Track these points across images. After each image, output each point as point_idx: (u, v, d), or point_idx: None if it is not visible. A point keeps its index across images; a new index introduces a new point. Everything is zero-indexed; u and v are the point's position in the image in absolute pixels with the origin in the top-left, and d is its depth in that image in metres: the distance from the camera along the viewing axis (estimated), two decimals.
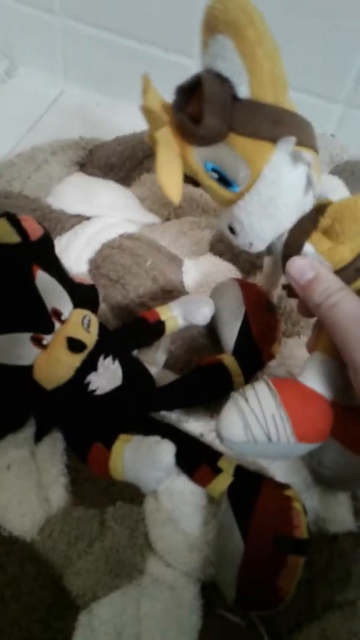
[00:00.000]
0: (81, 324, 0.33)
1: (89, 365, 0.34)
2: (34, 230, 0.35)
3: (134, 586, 0.35)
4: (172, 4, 0.54)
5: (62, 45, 0.64)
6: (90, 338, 0.33)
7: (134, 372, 0.38)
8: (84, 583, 0.34)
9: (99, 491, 0.37)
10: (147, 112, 0.31)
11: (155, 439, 0.33)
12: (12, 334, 0.31)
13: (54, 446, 0.38)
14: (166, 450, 0.32)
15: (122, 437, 0.34)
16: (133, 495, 0.37)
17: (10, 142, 0.60)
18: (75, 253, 0.49)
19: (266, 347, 0.41)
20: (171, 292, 0.47)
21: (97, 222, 0.51)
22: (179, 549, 0.35)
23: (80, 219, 0.52)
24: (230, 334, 0.41)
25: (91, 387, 0.34)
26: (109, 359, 0.35)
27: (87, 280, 0.44)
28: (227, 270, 0.49)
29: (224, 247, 0.50)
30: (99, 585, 0.34)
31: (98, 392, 0.35)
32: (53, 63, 0.66)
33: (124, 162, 0.55)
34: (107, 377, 0.35)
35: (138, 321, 0.41)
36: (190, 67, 0.59)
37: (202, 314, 0.41)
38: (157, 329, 0.41)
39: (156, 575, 0.35)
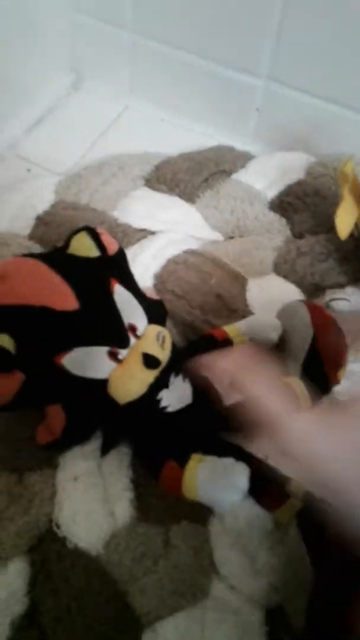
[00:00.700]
0: (156, 340, 0.33)
1: (161, 382, 0.34)
2: (111, 244, 0.35)
3: (198, 608, 0.34)
4: (241, 23, 0.55)
5: (129, 60, 0.65)
6: (164, 354, 0.34)
7: (202, 391, 0.38)
8: (148, 601, 0.34)
9: (164, 508, 0.37)
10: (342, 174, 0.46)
11: (230, 461, 0.33)
12: (90, 347, 0.32)
13: (121, 460, 0.38)
14: (242, 473, 0.32)
15: (195, 457, 0.34)
16: (198, 515, 0.37)
17: (75, 154, 0.61)
18: (142, 267, 0.49)
19: (332, 372, 0.40)
20: (235, 311, 0.47)
21: (162, 237, 0.52)
22: (245, 573, 0.35)
23: (145, 233, 0.52)
24: (297, 357, 0.41)
25: (163, 403, 0.34)
26: (180, 377, 0.36)
27: (154, 295, 0.44)
28: (291, 292, 0.49)
29: (288, 268, 0.50)
30: (163, 605, 0.34)
31: (169, 409, 0.35)
32: (119, 78, 0.67)
33: (190, 179, 0.56)
34: (178, 394, 0.35)
35: (205, 338, 0.41)
36: (255, 86, 0.59)
37: (270, 337, 0.41)
38: (225, 346, 0.41)
39: (221, 598, 0.35)
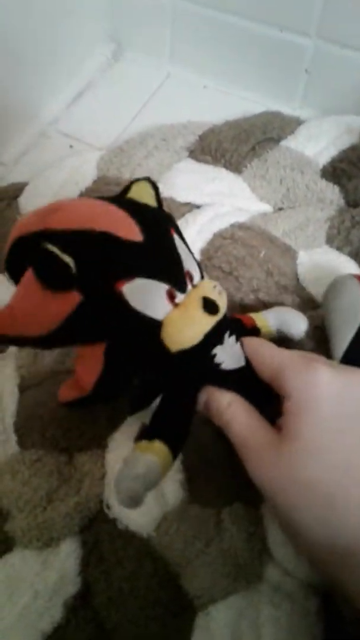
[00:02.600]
0: (214, 289, 0.32)
1: (216, 337, 0.32)
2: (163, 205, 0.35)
3: (252, 592, 0.34)
4: None
5: (170, 27, 0.62)
6: (222, 302, 0.32)
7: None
8: (201, 584, 0.34)
9: (215, 491, 0.37)
10: None
11: None
12: (151, 280, 0.30)
13: None
14: None
15: None
16: (250, 497, 0.36)
17: (117, 128, 0.60)
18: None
19: None
20: (286, 287, 0.45)
21: (208, 210, 0.50)
22: (299, 558, 0.34)
23: (190, 207, 0.51)
24: (341, 342, 0.38)
25: (217, 359, 0.32)
26: (233, 338, 0.33)
27: None
28: (345, 264, 0.47)
29: (342, 239, 0.48)
30: (217, 588, 0.34)
31: (224, 367, 0.33)
32: (160, 46, 0.65)
33: (236, 148, 0.53)
34: (231, 354, 0.33)
35: (235, 321, 0.39)
36: (304, 46, 0.56)
37: (298, 331, 0.39)
38: (254, 334, 0.38)
39: (276, 582, 0.34)
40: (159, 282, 0.30)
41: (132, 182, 0.34)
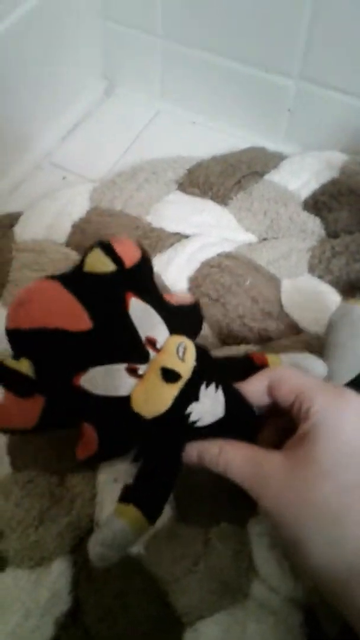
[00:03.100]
0: (176, 353, 0.32)
1: (190, 394, 0.33)
2: (130, 255, 0.34)
3: (238, 609, 0.35)
4: (271, 24, 0.55)
5: (160, 66, 0.65)
6: (185, 367, 0.32)
7: (235, 405, 0.35)
8: (189, 601, 0.35)
9: (203, 510, 0.38)
10: None
11: None
12: (107, 365, 0.31)
13: None
14: None
15: None
16: (237, 516, 0.37)
17: (109, 161, 0.62)
18: (176, 271, 0.50)
19: None
20: (270, 314, 0.47)
21: (196, 240, 0.52)
22: (284, 575, 0.35)
23: (179, 237, 0.53)
24: (339, 379, 0.38)
25: (192, 417, 0.33)
26: (212, 387, 0.34)
27: (189, 298, 0.43)
28: (327, 292, 0.49)
29: (323, 268, 0.50)
30: (204, 605, 0.35)
31: (199, 424, 0.33)
32: (150, 83, 0.68)
33: (222, 182, 0.56)
34: (209, 406, 0.33)
35: (245, 359, 0.39)
36: (287, 87, 0.59)
37: (319, 373, 0.38)
38: None
39: (261, 599, 0.35)
40: (115, 365, 0.31)
41: (86, 252, 0.34)
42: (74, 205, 0.55)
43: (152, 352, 0.32)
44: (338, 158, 0.59)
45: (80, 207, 0.54)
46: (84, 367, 0.31)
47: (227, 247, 0.52)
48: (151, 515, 0.31)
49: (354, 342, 0.37)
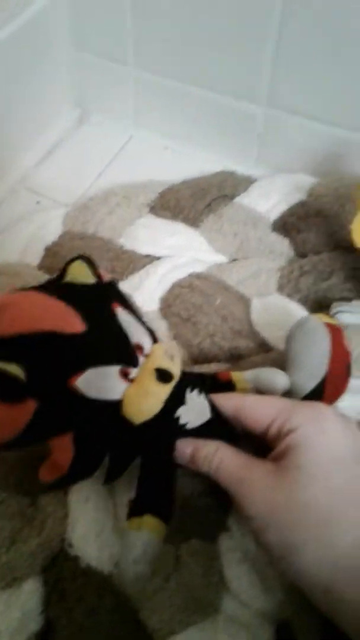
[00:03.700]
0: (166, 356, 0.33)
1: (177, 399, 0.33)
2: (105, 275, 0.36)
3: (210, 624, 0.35)
4: (238, 53, 0.57)
5: (133, 94, 0.67)
6: (176, 368, 0.33)
7: (217, 411, 0.36)
8: (160, 617, 0.35)
9: (173, 527, 0.38)
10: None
11: None
12: (101, 367, 0.31)
13: (130, 480, 0.39)
14: None
15: None
16: (207, 532, 0.38)
17: (83, 185, 0.63)
18: (147, 292, 0.51)
19: (329, 400, 0.38)
20: (240, 332, 0.48)
21: (167, 262, 0.53)
22: (255, 588, 0.35)
23: (151, 259, 0.54)
24: (300, 389, 0.38)
25: (182, 420, 0.34)
26: (196, 392, 0.35)
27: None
28: (295, 310, 0.50)
29: (292, 287, 0.51)
30: (175, 620, 0.35)
31: (189, 426, 0.34)
32: (123, 111, 0.69)
33: (193, 204, 0.57)
34: (195, 410, 0.34)
35: (208, 377, 0.39)
36: (255, 113, 0.61)
37: (276, 389, 0.38)
38: (228, 389, 0.39)
39: (232, 613, 0.35)
40: (109, 366, 0.31)
41: (67, 264, 0.35)
42: (47, 229, 0.56)
43: (141, 358, 0.33)
44: (306, 181, 0.61)
45: (53, 231, 0.55)
46: (79, 369, 0.30)
47: (198, 268, 0.53)
48: (167, 518, 0.32)
49: (309, 350, 0.38)
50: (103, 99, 0.70)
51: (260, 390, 0.39)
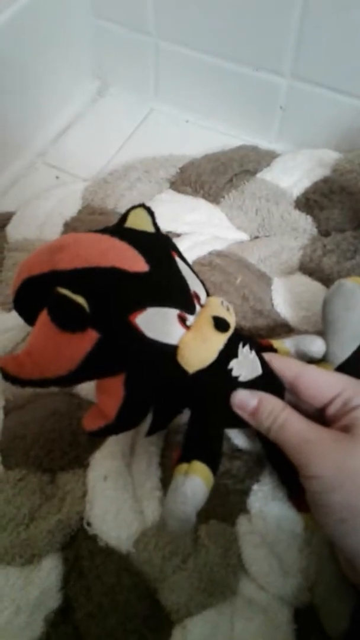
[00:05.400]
0: (222, 306, 0.33)
1: (231, 351, 0.33)
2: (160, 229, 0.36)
3: (227, 606, 0.35)
4: (262, 22, 0.55)
5: (153, 65, 0.65)
6: (232, 318, 0.33)
7: (268, 367, 0.36)
8: (177, 599, 0.35)
9: None
10: None
11: None
12: (162, 307, 0.31)
13: (150, 459, 0.39)
14: None
15: None
16: (226, 514, 0.37)
17: (102, 160, 0.62)
18: None
19: None
20: (261, 312, 0.47)
21: (188, 239, 0.52)
22: (273, 573, 0.35)
23: (171, 235, 0.53)
24: (343, 351, 0.39)
25: (234, 373, 0.34)
26: (247, 347, 0.35)
27: None
28: (317, 290, 0.49)
29: (314, 266, 0.50)
30: (192, 602, 0.35)
31: (241, 379, 0.34)
32: (144, 83, 0.68)
33: (214, 180, 0.56)
34: (247, 365, 0.34)
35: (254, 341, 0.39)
36: (278, 85, 0.59)
37: (317, 347, 0.39)
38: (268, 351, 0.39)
39: (249, 596, 0.35)
40: (170, 309, 0.31)
41: (128, 211, 0.35)
42: (66, 205, 0.55)
43: (197, 307, 0.33)
44: (330, 156, 0.59)
45: (72, 206, 0.55)
46: (140, 306, 0.30)
47: (219, 246, 0.52)
48: (214, 467, 0.32)
49: (347, 314, 0.38)
50: (123, 70, 0.68)
51: (300, 356, 0.39)
